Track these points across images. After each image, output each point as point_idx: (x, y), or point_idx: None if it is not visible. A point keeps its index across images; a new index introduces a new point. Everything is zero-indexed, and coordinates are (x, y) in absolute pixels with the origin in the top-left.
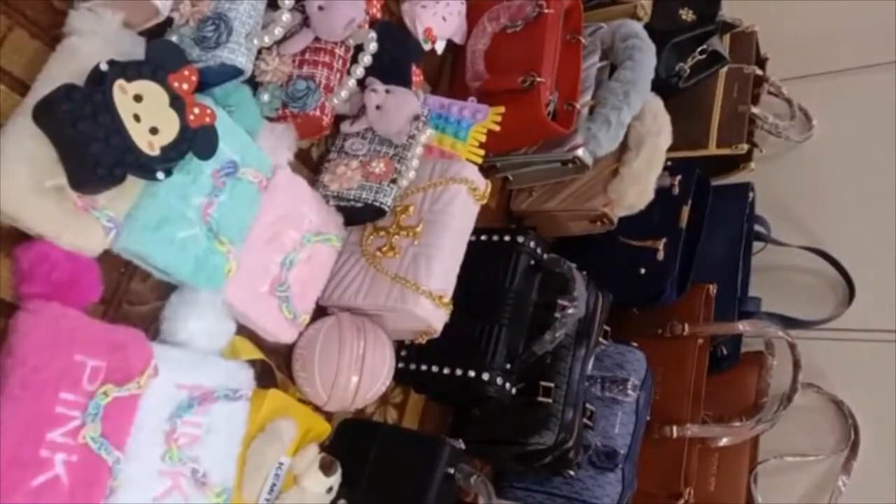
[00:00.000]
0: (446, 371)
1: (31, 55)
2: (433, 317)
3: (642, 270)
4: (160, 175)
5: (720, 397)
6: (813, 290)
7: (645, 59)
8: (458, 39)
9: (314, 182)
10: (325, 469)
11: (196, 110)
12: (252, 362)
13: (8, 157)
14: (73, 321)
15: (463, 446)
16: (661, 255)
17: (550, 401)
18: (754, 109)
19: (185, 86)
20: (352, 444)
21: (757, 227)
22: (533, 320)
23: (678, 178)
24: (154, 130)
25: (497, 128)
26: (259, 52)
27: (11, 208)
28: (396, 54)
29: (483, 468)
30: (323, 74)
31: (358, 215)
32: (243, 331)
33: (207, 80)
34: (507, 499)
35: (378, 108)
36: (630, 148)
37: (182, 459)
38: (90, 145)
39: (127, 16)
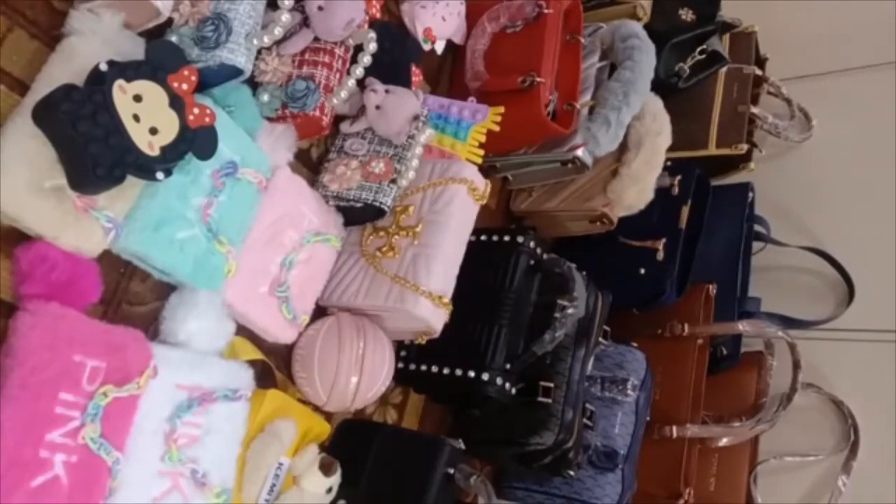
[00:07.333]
0: (446, 371)
1: (31, 55)
2: (433, 317)
3: (642, 270)
4: (160, 175)
5: (720, 397)
6: (813, 290)
7: (644, 59)
8: (457, 39)
9: (314, 182)
10: (325, 469)
11: (195, 110)
12: (252, 362)
13: (8, 157)
14: (73, 322)
15: (463, 446)
16: (660, 256)
17: (550, 401)
18: (754, 109)
19: (184, 86)
20: (352, 444)
21: (757, 227)
22: (533, 320)
23: (678, 178)
24: (153, 131)
25: (497, 128)
26: (259, 52)
27: (11, 208)
28: (396, 54)
29: (483, 468)
30: (322, 74)
31: (358, 215)
32: (243, 331)
33: (207, 81)
34: (507, 499)
35: (378, 108)
36: (630, 148)
37: (181, 460)
38: (90, 145)
39: (127, 16)
